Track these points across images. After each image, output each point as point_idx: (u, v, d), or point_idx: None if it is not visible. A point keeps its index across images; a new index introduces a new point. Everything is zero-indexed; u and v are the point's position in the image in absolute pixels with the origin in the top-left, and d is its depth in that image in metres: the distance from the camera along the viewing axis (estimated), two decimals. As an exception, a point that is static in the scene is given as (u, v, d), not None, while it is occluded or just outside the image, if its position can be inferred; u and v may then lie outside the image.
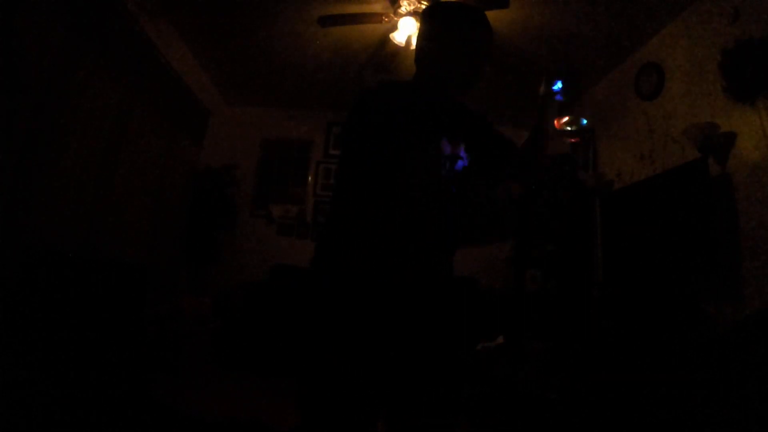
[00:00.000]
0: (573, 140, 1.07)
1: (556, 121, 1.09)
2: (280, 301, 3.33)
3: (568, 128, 1.08)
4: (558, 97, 1.10)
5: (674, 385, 1.88)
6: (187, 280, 3.70)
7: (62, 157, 2.16)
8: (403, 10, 2.63)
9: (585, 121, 1.08)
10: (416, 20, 2.64)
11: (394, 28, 2.70)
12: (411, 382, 0.95)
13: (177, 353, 2.79)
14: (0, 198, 1.83)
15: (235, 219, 4.11)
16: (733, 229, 2.18)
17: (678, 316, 2.21)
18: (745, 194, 2.16)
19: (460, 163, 1.05)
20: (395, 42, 2.76)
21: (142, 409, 2.00)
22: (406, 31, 2.66)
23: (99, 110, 2.39)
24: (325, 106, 4.42)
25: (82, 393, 1.83)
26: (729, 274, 2.15)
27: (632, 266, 2.77)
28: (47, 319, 1.80)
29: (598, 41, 3.02)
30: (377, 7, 2.75)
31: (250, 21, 3.04)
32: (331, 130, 4.50)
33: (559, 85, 1.08)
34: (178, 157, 3.40)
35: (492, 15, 2.72)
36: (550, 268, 3.52)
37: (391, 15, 2.68)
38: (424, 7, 2.61)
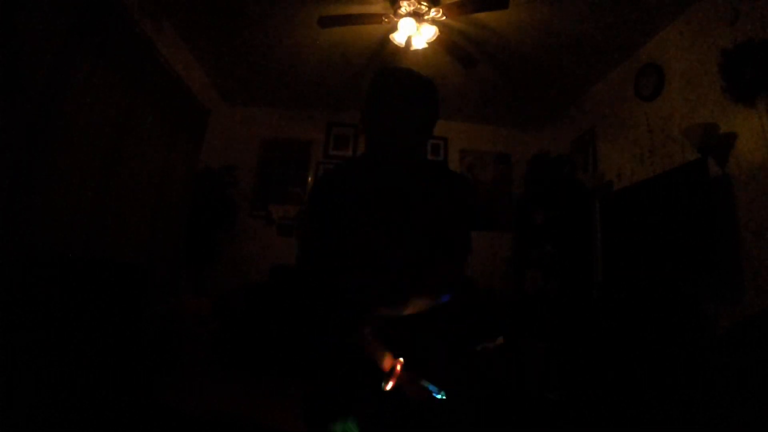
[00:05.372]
0: None
1: None
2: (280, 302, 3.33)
3: None
4: None
5: (674, 385, 1.88)
6: (187, 281, 3.69)
7: (62, 157, 2.16)
8: (403, 10, 2.63)
9: None
10: (416, 21, 2.64)
11: (393, 28, 2.70)
12: None
13: (177, 353, 2.79)
14: (0, 198, 1.84)
15: (235, 219, 4.11)
16: (733, 229, 2.18)
17: (678, 317, 2.21)
18: (744, 195, 2.17)
19: None
20: (395, 42, 2.76)
21: (142, 409, 2.00)
22: (406, 32, 2.66)
23: (99, 110, 2.39)
24: (325, 106, 4.42)
25: (82, 393, 1.83)
26: (729, 275, 2.15)
27: (632, 267, 2.77)
28: (47, 319, 1.80)
29: (598, 41, 3.03)
30: (377, 8, 2.75)
31: (251, 21, 3.04)
32: (331, 130, 4.50)
33: None
34: (178, 157, 3.39)
35: (492, 16, 2.76)
36: (550, 268, 3.52)
37: (391, 16, 2.68)
38: (424, 8, 2.61)
